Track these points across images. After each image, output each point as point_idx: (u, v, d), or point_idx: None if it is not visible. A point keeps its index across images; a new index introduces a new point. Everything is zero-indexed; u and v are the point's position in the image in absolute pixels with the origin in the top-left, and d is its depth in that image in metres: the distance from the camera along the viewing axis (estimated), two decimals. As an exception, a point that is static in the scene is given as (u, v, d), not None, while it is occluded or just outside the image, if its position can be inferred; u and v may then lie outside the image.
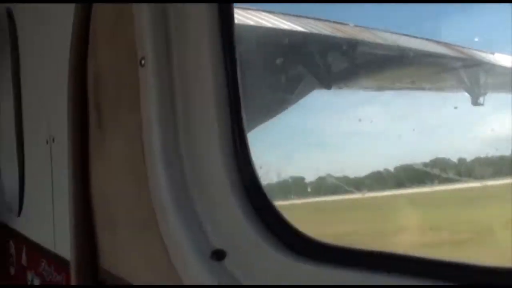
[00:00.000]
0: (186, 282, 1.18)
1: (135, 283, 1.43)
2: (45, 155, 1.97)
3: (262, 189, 1.20)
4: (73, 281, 1.67)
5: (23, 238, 2.48)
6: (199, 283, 1.16)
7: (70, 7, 1.64)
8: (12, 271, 2.78)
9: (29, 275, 2.31)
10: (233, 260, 1.15)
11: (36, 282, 2.19)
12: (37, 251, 2.20)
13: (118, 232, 1.51)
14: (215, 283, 1.13)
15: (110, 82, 1.51)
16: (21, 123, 2.39)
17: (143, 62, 1.33)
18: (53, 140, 1.89)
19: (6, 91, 3.08)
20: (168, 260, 1.24)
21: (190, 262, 1.18)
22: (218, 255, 1.18)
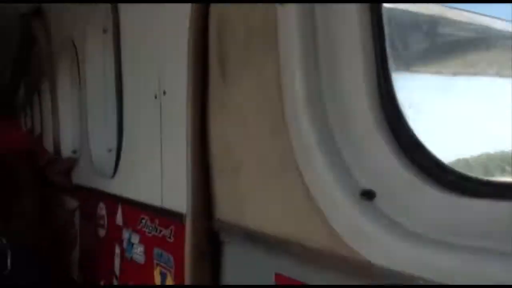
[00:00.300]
0: (336, 223, 1.15)
1: (265, 230, 1.40)
2: (153, 110, 1.97)
3: (408, 127, 1.16)
4: (188, 233, 1.66)
5: (118, 198, 2.49)
6: (351, 224, 1.12)
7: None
8: (102, 232, 2.80)
9: (126, 233, 2.32)
10: (384, 199, 1.11)
11: (135, 239, 2.20)
12: (137, 209, 2.20)
13: (243, 181, 1.49)
14: (369, 222, 1.09)
15: (239, 28, 1.49)
16: (121, 83, 2.39)
17: (282, 1, 1.30)
18: (164, 93, 1.88)
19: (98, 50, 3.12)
20: (311, 203, 1.21)
21: (340, 203, 1.15)
22: (368, 195, 1.14)
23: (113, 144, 3.14)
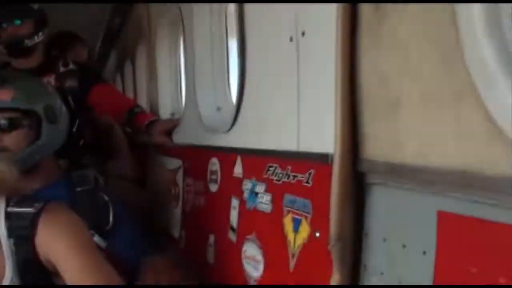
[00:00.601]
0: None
1: (430, 165, 1.35)
2: (288, 53, 1.93)
3: None
4: (335, 174, 1.63)
5: (237, 150, 2.48)
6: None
7: None
8: (215, 187, 2.81)
9: (247, 184, 2.31)
10: None
11: (260, 188, 2.18)
12: (262, 158, 2.19)
13: (403, 116, 1.44)
14: None
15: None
16: (243, 34, 2.37)
17: None
18: (303, 34, 1.84)
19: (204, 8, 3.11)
20: (495, 131, 1.15)
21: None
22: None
23: (222, 103, 3.16)
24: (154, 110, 4.43)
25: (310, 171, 1.81)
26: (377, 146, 1.59)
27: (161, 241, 3.75)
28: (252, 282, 2.26)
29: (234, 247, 2.46)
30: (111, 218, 2.98)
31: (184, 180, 3.50)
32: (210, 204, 2.91)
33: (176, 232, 3.65)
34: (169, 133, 3.82)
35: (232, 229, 2.50)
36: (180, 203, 3.57)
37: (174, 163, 3.71)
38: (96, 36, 6.30)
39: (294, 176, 1.92)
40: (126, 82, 6.19)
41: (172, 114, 4.29)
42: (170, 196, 3.79)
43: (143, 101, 4.98)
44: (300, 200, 1.88)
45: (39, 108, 2.92)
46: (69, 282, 2.05)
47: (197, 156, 3.19)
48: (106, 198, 3.03)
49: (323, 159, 1.70)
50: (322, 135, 1.73)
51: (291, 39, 1.91)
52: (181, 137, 3.61)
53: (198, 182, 3.13)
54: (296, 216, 1.90)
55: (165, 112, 4.33)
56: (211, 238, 2.85)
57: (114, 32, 5.95)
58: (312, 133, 1.84)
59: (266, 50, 2.18)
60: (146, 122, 4.00)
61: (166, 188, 3.88)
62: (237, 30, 2.39)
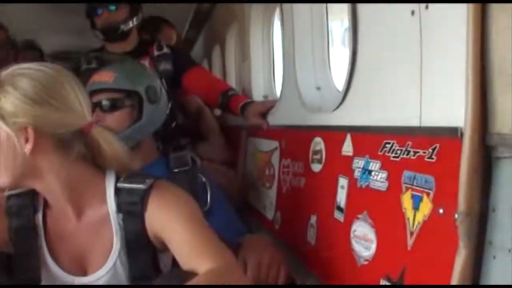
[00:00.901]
0: None
1: None
2: (409, 28, 1.90)
3: None
4: (465, 149, 1.59)
5: (346, 128, 2.47)
6: None
7: None
8: (318, 167, 2.80)
9: (359, 162, 2.28)
10: None
11: (374, 166, 2.15)
12: (376, 134, 2.16)
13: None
14: None
15: None
16: (354, 9, 2.34)
17: None
18: (426, 7, 1.81)
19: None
20: None
21: None
22: None
23: (322, 82, 3.15)
24: (247, 93, 4.46)
25: (434, 146, 1.78)
26: (508, 119, 1.55)
27: (255, 222, 3.78)
28: (361, 262, 2.24)
29: (341, 227, 2.45)
30: (209, 199, 3.02)
31: (280, 161, 3.50)
32: (312, 184, 2.90)
33: (270, 214, 3.66)
34: (263, 115, 3.84)
35: (339, 208, 2.49)
36: (275, 184, 3.58)
37: (269, 144, 3.72)
38: (183, 20, 6.38)
39: (415, 152, 1.89)
40: (213, 66, 6.25)
41: (265, 96, 4.31)
42: (264, 177, 3.81)
43: (233, 85, 5.03)
44: (420, 176, 1.85)
45: (140, 89, 3.00)
46: (179, 257, 2.07)
47: (296, 137, 3.19)
48: (204, 179, 3.08)
49: (452, 133, 1.67)
50: (449, 109, 1.70)
51: (412, 13, 1.88)
52: (278, 118, 3.62)
53: (297, 163, 3.13)
54: (416, 193, 1.87)
55: (258, 95, 4.35)
56: (313, 219, 2.84)
57: (202, 17, 6.01)
58: (437, 107, 1.80)
59: (382, 25, 2.15)
60: (241, 105, 4.03)
61: (260, 170, 3.91)
62: (349, 5, 2.37)
